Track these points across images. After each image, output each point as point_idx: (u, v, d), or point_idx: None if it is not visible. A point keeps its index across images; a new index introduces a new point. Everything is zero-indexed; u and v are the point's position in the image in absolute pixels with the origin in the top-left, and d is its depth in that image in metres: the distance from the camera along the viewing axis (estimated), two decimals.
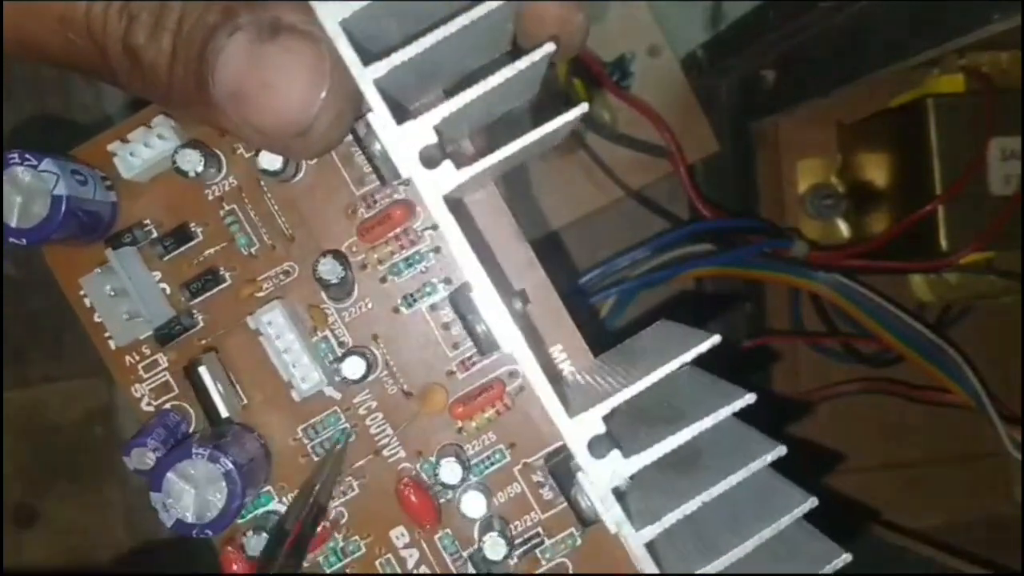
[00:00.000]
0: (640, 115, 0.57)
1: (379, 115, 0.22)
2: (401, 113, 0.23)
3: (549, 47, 0.22)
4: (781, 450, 0.24)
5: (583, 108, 0.23)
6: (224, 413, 0.28)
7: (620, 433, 0.24)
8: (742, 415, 0.24)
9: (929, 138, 0.51)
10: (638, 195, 0.61)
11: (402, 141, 0.22)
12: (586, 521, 0.27)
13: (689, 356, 0.23)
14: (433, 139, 0.22)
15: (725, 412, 0.23)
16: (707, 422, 0.23)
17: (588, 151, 0.59)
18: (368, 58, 0.22)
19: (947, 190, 0.50)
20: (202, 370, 0.28)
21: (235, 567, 0.28)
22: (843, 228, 0.60)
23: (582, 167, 0.60)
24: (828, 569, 0.24)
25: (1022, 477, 0.59)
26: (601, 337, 0.32)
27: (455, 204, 0.23)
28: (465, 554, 0.29)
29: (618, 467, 0.23)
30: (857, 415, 0.60)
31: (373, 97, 0.22)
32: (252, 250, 0.29)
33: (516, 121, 0.25)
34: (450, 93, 0.22)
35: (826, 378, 0.59)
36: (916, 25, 0.42)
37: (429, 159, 0.22)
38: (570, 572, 0.30)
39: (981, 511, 0.60)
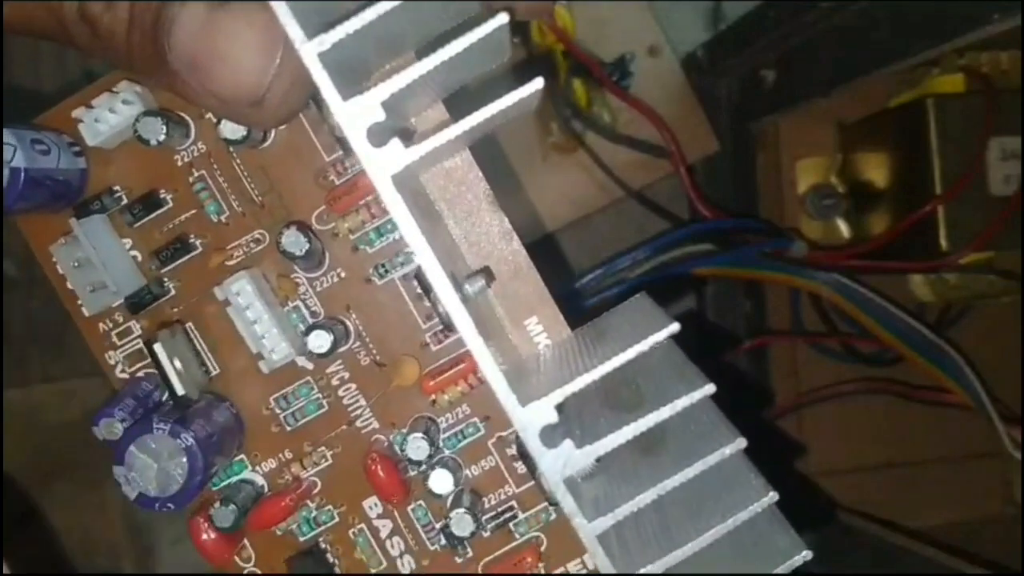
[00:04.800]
0: (640, 115, 0.57)
1: (324, 91, 0.21)
2: (360, 81, 0.22)
3: (502, 18, 0.21)
4: (741, 442, 0.23)
5: (538, 83, 0.22)
6: (180, 391, 0.27)
7: (584, 413, 0.24)
8: (717, 401, 0.24)
9: (929, 138, 0.51)
10: (638, 195, 0.61)
11: (348, 118, 0.21)
12: (552, 502, 0.27)
13: (645, 345, 0.22)
14: (381, 116, 0.21)
15: (683, 403, 0.23)
16: (664, 413, 0.22)
17: (588, 151, 0.59)
18: (329, 22, 0.21)
19: (947, 190, 0.50)
20: (157, 347, 0.27)
21: (204, 538, 0.28)
22: (843, 228, 0.60)
23: (582, 167, 0.60)
24: (783, 568, 0.23)
25: (1022, 477, 0.59)
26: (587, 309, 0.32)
27: (406, 180, 0.22)
28: (438, 526, 0.29)
29: (570, 458, 0.22)
30: (857, 415, 0.60)
31: (317, 72, 0.21)
32: (222, 217, 0.29)
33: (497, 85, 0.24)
34: (421, 55, 0.21)
35: (826, 378, 0.59)
36: (916, 25, 0.42)
37: (379, 137, 0.21)
38: (543, 547, 0.29)
39: (981, 511, 0.60)
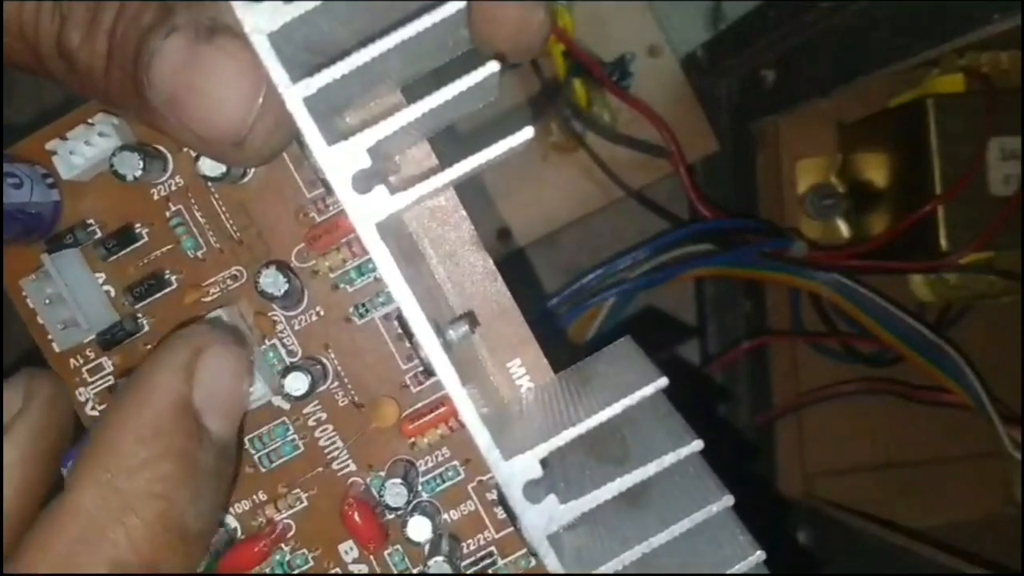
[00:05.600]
0: (640, 115, 0.57)
1: (308, 136, 0.20)
2: (340, 121, 0.21)
3: (493, 66, 0.20)
4: (728, 500, 0.23)
5: (528, 133, 0.21)
6: None
7: (568, 463, 0.24)
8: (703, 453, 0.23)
9: (929, 138, 0.51)
10: (638, 195, 0.61)
11: (332, 164, 0.20)
12: (533, 552, 0.27)
13: (633, 400, 0.22)
14: (367, 163, 0.20)
15: (670, 459, 0.22)
16: (651, 469, 0.22)
17: (588, 151, 0.59)
18: (317, 62, 0.20)
19: (947, 190, 0.50)
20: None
21: None
22: (843, 228, 0.60)
23: (582, 167, 0.60)
24: None
25: (1022, 477, 0.59)
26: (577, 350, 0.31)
27: (390, 226, 0.22)
28: (415, 571, 0.28)
29: (554, 513, 0.22)
30: (857, 415, 0.60)
31: (302, 118, 0.20)
32: (199, 253, 0.28)
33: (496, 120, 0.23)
34: (406, 91, 0.21)
35: (826, 378, 0.59)
36: (916, 25, 0.42)
37: (361, 183, 0.20)
38: None
39: (981, 511, 0.60)
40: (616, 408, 0.22)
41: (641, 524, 0.23)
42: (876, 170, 0.57)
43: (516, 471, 0.21)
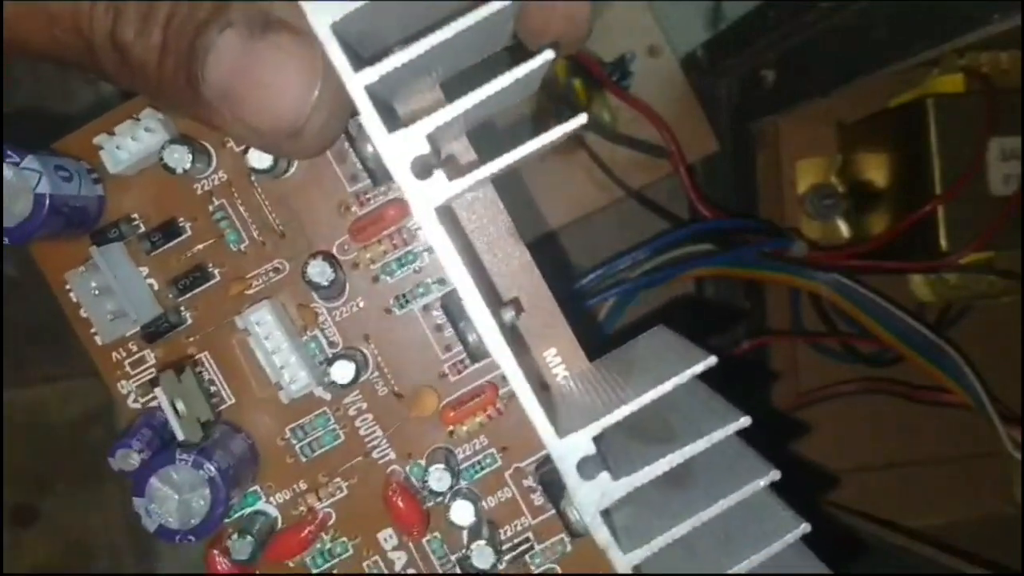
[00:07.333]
0: (640, 115, 0.57)
1: (370, 123, 0.21)
2: (391, 115, 0.22)
3: (548, 55, 0.22)
4: (775, 474, 0.23)
5: (582, 119, 0.23)
6: (180, 436, 0.27)
7: (611, 446, 0.24)
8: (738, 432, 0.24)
9: (929, 138, 0.51)
10: (638, 195, 0.61)
11: (393, 150, 0.21)
12: (575, 534, 0.27)
13: (684, 378, 0.23)
14: (426, 148, 0.21)
15: (719, 435, 0.23)
16: (700, 445, 0.23)
17: (588, 151, 0.59)
18: (364, 57, 0.21)
19: (947, 190, 0.50)
20: (158, 391, 0.27)
21: (219, 569, 0.28)
22: (843, 228, 0.60)
23: (582, 167, 0.60)
24: None
25: (1022, 477, 0.59)
26: (599, 338, 0.32)
27: (445, 211, 0.23)
28: (454, 558, 0.29)
29: (607, 489, 0.22)
30: (857, 415, 0.60)
31: (364, 105, 0.21)
32: (242, 247, 0.29)
33: (512, 123, 0.25)
34: (444, 86, 0.21)
35: (826, 378, 0.59)
36: (916, 25, 0.42)
37: (421, 169, 0.21)
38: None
39: (981, 511, 0.60)
40: (667, 386, 0.23)
41: (687, 501, 0.23)
42: (876, 170, 0.57)
43: (570, 448, 0.22)
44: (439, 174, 0.21)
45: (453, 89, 0.23)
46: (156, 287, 0.29)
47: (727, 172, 0.61)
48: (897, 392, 0.58)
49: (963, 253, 0.51)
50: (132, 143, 0.27)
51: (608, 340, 0.31)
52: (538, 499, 0.29)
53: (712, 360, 0.23)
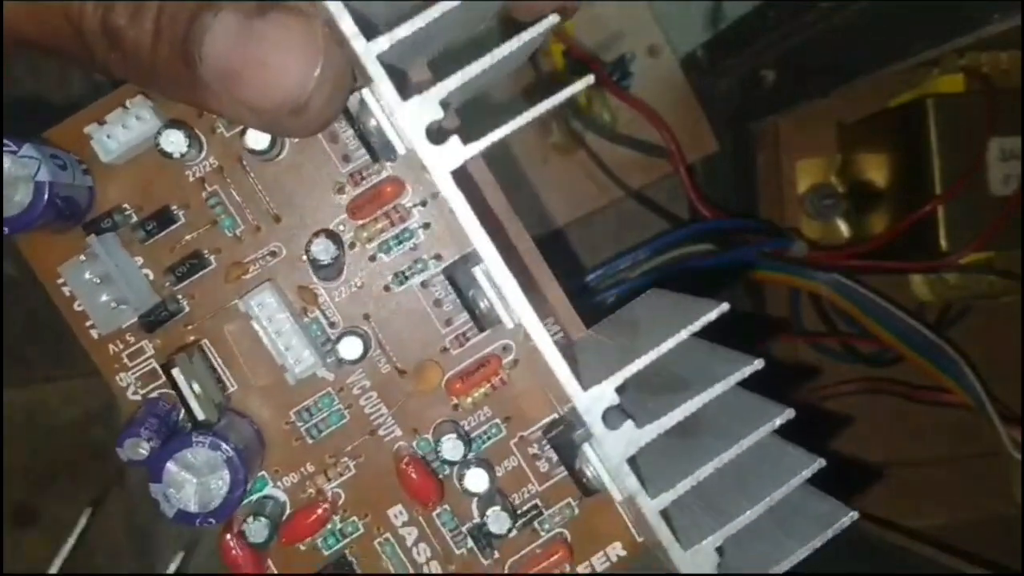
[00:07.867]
0: (640, 115, 0.57)
1: (384, 91, 0.22)
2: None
3: (553, 19, 0.22)
4: (790, 413, 0.24)
5: (590, 79, 0.23)
6: (200, 416, 0.27)
7: (624, 401, 0.24)
8: (743, 382, 0.24)
9: (929, 138, 0.51)
10: (638, 195, 0.61)
11: (410, 116, 0.22)
12: (589, 491, 0.27)
13: (699, 324, 0.23)
14: (440, 114, 0.22)
15: (735, 378, 0.23)
16: (718, 388, 0.23)
17: (588, 151, 0.59)
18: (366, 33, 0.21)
19: (947, 190, 0.50)
20: (175, 372, 0.27)
21: (234, 553, 0.28)
22: (843, 228, 0.60)
23: (582, 167, 0.60)
24: (832, 531, 0.24)
25: (1022, 477, 0.59)
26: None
27: (461, 176, 0.23)
28: (464, 529, 0.29)
29: (632, 437, 0.23)
30: (857, 415, 0.60)
31: (377, 72, 0.21)
32: (237, 232, 0.29)
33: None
34: (432, 66, 0.22)
35: (826, 378, 0.59)
36: (916, 25, 0.42)
37: (437, 135, 0.22)
38: (568, 541, 0.30)
39: (981, 511, 0.60)
40: (683, 334, 0.23)
41: (704, 447, 0.24)
42: (876, 170, 0.57)
43: (595, 399, 0.23)
44: (454, 139, 0.22)
45: (441, 70, 0.23)
46: (152, 276, 0.28)
47: (727, 172, 0.61)
48: (897, 392, 0.58)
49: (963, 253, 0.50)
50: (123, 131, 0.27)
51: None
52: (543, 466, 0.29)
53: (725, 307, 0.23)
